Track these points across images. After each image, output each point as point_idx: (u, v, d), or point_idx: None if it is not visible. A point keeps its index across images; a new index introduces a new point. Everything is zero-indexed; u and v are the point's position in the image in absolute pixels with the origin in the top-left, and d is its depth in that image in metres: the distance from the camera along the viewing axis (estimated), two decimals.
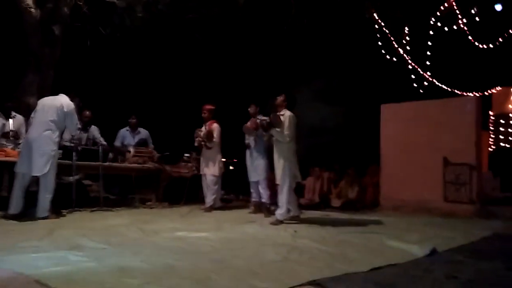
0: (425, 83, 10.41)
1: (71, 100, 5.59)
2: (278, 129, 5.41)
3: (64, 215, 5.56)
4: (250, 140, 6.67)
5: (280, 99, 5.62)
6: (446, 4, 10.12)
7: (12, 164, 5.77)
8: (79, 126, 6.29)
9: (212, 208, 6.80)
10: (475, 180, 6.75)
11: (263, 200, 6.59)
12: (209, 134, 6.86)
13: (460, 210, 6.68)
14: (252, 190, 6.81)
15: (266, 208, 6.48)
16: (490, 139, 9.96)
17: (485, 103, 8.01)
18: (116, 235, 4.19)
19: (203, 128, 7.02)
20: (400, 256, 3.56)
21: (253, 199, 6.83)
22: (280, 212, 5.41)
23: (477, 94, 9.74)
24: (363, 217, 6.50)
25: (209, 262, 3.16)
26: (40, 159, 5.15)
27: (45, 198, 5.19)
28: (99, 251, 3.41)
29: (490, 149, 9.77)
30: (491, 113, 10.14)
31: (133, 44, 10.34)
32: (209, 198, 6.89)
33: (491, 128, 10.10)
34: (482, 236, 4.68)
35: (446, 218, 6.37)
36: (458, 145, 6.89)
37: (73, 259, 3.10)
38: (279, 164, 5.44)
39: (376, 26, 10.04)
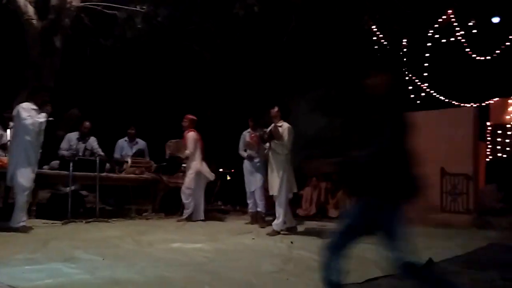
0: (422, 94, 10.45)
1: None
2: (277, 141, 5.44)
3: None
4: (252, 152, 6.65)
5: (274, 110, 5.67)
6: (444, 17, 10.21)
7: None
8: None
9: (187, 220, 6.60)
10: (472, 190, 6.74)
11: (259, 209, 6.56)
12: (176, 144, 6.87)
13: (457, 220, 6.65)
14: (249, 201, 6.78)
15: (261, 217, 6.46)
16: (488, 150, 9.97)
17: (483, 114, 8.02)
18: (111, 246, 4.18)
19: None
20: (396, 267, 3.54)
21: (250, 210, 6.80)
22: (277, 223, 5.42)
23: (475, 105, 9.77)
24: None
25: (204, 273, 3.15)
26: None
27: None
28: (93, 263, 3.40)
29: (487, 159, 9.76)
30: (488, 123, 10.16)
31: (133, 55, 10.41)
32: (186, 211, 6.75)
33: (488, 138, 10.11)
34: (478, 246, 4.67)
35: (443, 228, 6.34)
36: (455, 155, 6.89)
37: (66, 271, 3.09)
38: (276, 175, 5.45)
39: (375, 38, 10.12)
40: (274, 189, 5.47)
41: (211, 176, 7.06)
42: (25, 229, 4.96)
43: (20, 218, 5.00)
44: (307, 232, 5.75)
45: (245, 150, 6.77)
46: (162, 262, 3.53)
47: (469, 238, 5.34)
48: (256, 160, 6.58)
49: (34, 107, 5.21)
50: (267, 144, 5.64)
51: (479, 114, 7.37)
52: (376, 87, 2.35)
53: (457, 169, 6.85)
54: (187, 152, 6.78)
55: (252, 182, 6.62)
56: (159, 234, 5.15)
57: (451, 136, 6.97)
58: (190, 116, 7.02)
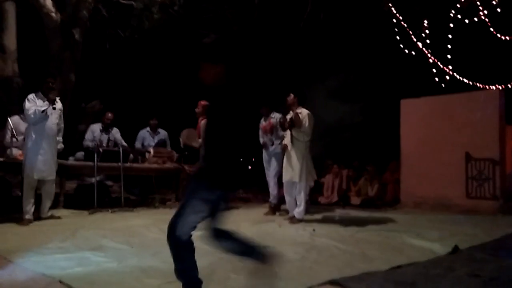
0: (447, 77, 10.19)
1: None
2: (298, 128, 5.41)
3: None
4: (266, 139, 6.59)
5: (291, 98, 5.60)
6: None
7: None
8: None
9: None
10: (498, 175, 6.59)
11: (270, 199, 6.47)
12: (189, 132, 6.71)
13: (483, 206, 6.53)
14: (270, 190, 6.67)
15: (271, 208, 6.39)
16: None
17: (509, 96, 7.76)
18: (136, 235, 4.27)
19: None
20: (421, 254, 3.52)
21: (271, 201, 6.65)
22: (298, 211, 5.41)
23: (501, 87, 9.47)
24: (383, 214, 6.44)
25: (228, 261, 3.18)
26: None
27: None
28: (120, 252, 3.48)
29: None
30: None
31: (152, 45, 10.47)
32: None
33: None
34: (505, 233, 4.57)
35: (468, 214, 6.24)
36: (481, 140, 6.73)
37: (94, 260, 3.17)
38: (297, 162, 5.42)
39: (394, 20, 9.88)
40: (295, 177, 5.44)
41: None
42: (24, 222, 4.92)
43: (24, 207, 4.99)
44: (329, 220, 5.74)
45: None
46: None
47: (495, 224, 5.24)
48: (271, 148, 6.50)
49: (41, 96, 5.21)
50: (288, 132, 5.60)
51: (505, 96, 7.14)
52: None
53: (482, 153, 6.69)
54: (200, 140, 6.64)
55: (267, 170, 6.56)
56: None
57: (476, 119, 6.81)
58: (204, 102, 6.82)
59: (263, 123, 6.69)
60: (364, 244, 3.91)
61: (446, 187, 6.93)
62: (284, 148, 5.64)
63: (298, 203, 5.45)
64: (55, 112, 5.28)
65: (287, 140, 5.59)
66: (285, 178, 5.58)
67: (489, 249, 3.73)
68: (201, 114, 6.81)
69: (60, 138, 5.55)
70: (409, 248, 3.79)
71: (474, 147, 6.77)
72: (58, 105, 5.36)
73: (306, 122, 5.41)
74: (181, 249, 2.28)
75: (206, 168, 2.24)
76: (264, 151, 6.68)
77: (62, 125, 5.58)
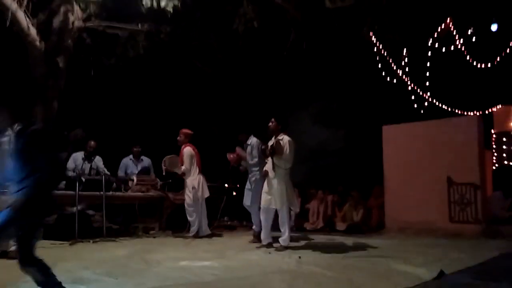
0: (425, 104, 10.46)
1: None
2: (280, 155, 5.40)
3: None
4: (242, 167, 6.56)
5: (273, 124, 5.61)
6: (443, 26, 10.28)
7: None
8: None
9: (194, 237, 6.54)
10: (480, 199, 6.70)
11: (254, 227, 6.40)
12: (171, 159, 6.70)
13: (466, 230, 6.60)
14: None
15: (256, 235, 6.28)
16: (494, 158, 9.92)
17: (487, 121, 8.00)
18: (119, 266, 4.16)
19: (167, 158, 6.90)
20: (407, 280, 3.51)
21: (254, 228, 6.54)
22: (283, 238, 5.37)
23: (478, 113, 9.76)
24: (368, 240, 6.44)
25: None
26: None
27: None
28: (102, 284, 3.39)
29: (493, 167, 9.71)
30: (493, 131, 10.13)
31: (136, 73, 10.50)
32: (192, 228, 6.68)
33: (494, 146, 10.08)
34: (489, 257, 4.61)
35: (452, 239, 6.29)
36: (462, 164, 6.87)
37: None
38: (277, 189, 5.39)
39: (375, 49, 10.17)
40: (274, 203, 5.40)
41: (206, 193, 6.85)
42: None
43: None
44: (315, 246, 5.70)
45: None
46: (171, 281, 3.51)
47: (479, 248, 5.29)
48: (250, 175, 6.44)
49: None
50: (269, 159, 5.54)
51: (483, 122, 7.35)
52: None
53: (464, 178, 6.82)
54: (183, 168, 6.68)
55: (246, 197, 6.46)
56: (167, 252, 5.12)
57: (456, 145, 6.97)
58: (185, 130, 6.93)
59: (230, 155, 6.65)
60: (351, 271, 3.89)
61: (429, 212, 7.00)
62: (265, 174, 5.62)
63: (282, 230, 5.41)
64: None
65: (268, 167, 5.56)
66: (263, 203, 5.54)
67: (474, 273, 3.75)
68: (184, 141, 6.84)
69: None
70: (395, 274, 3.78)
71: (456, 172, 6.90)
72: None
73: (287, 149, 5.41)
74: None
75: (18, 196, 2.52)
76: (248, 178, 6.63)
77: None
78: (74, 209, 6.24)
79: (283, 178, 5.42)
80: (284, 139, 5.49)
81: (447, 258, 4.49)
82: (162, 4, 7.04)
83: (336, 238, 6.78)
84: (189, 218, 6.72)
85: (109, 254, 4.99)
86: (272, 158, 5.49)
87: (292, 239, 5.59)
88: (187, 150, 6.74)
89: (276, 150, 5.41)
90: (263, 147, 5.82)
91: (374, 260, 4.48)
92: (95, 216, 7.58)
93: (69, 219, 6.56)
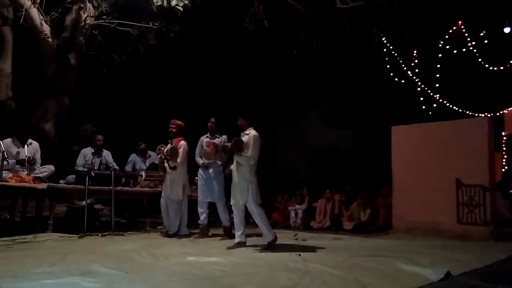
0: (435, 105, 10.41)
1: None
2: (241, 153, 5.17)
3: None
4: (208, 162, 6.35)
5: (240, 121, 5.44)
6: (454, 28, 10.22)
7: (27, 189, 5.89)
8: None
9: (173, 235, 6.35)
10: (488, 201, 6.64)
11: (224, 224, 6.39)
12: (173, 151, 6.32)
13: (474, 232, 6.55)
14: (200, 210, 6.42)
15: (227, 231, 6.30)
16: (503, 160, 9.84)
17: (497, 123, 7.92)
18: (127, 260, 4.20)
19: (168, 146, 6.51)
20: (414, 280, 3.50)
21: (201, 222, 6.47)
22: (266, 234, 5.22)
23: (489, 115, 9.68)
24: (375, 240, 6.42)
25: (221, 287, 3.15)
26: None
27: None
28: (110, 277, 3.42)
29: (503, 170, 9.63)
30: (503, 133, 10.04)
31: (146, 70, 10.58)
32: (173, 225, 6.43)
33: (504, 148, 9.99)
34: (496, 259, 4.58)
35: (460, 240, 6.25)
36: (471, 166, 6.81)
37: (84, 285, 3.11)
38: (241, 187, 5.18)
39: (385, 50, 10.14)
40: (242, 198, 5.20)
41: (189, 191, 6.68)
42: None
43: None
44: (322, 245, 5.70)
45: (201, 157, 6.43)
46: (178, 276, 3.54)
47: (487, 250, 5.25)
48: (211, 170, 6.36)
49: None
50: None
51: (494, 124, 7.29)
52: None
53: (473, 180, 6.76)
54: (178, 161, 6.38)
55: (209, 192, 6.35)
56: (174, 247, 5.16)
57: (466, 146, 6.91)
58: (179, 122, 6.58)
59: (204, 141, 6.44)
60: (357, 270, 3.89)
61: (437, 213, 6.96)
62: (228, 174, 5.58)
63: (260, 228, 5.25)
64: None
65: (233, 166, 5.39)
66: (232, 202, 5.38)
67: (481, 275, 3.73)
68: (177, 134, 6.53)
69: None
70: (402, 274, 3.77)
71: (464, 174, 6.85)
72: None
73: (250, 146, 5.17)
74: None
75: None
76: (201, 171, 6.45)
77: None
78: (83, 203, 6.33)
79: (245, 175, 5.17)
80: (250, 133, 5.27)
81: (454, 260, 4.46)
82: (173, 3, 7.07)
83: (343, 237, 6.77)
84: (170, 214, 6.42)
85: (117, 248, 5.04)
86: (233, 158, 5.33)
87: (298, 237, 5.54)
88: (184, 144, 6.49)
89: (235, 151, 5.19)
90: (223, 145, 5.65)
91: (380, 260, 4.47)
92: (104, 210, 7.68)
93: (78, 212, 6.67)
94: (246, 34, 9.73)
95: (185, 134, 6.72)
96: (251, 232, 6.26)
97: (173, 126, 6.52)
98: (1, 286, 3.02)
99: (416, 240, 6.31)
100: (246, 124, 5.41)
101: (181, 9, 7.16)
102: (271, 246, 5.16)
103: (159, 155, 6.55)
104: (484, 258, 4.57)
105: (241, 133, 5.40)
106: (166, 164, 6.49)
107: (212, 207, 6.59)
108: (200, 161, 6.46)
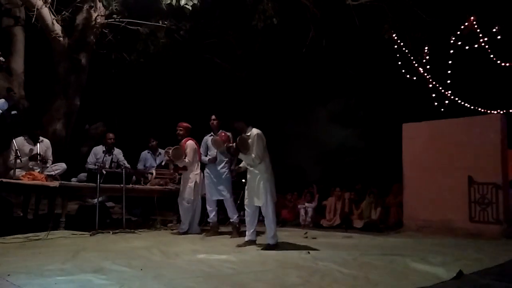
0: (446, 102, 10.29)
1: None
2: (246, 154, 5.07)
3: None
4: (215, 153, 6.30)
5: (237, 124, 5.30)
6: (466, 24, 10.08)
7: (39, 187, 5.96)
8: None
9: (185, 233, 6.37)
10: (501, 199, 6.56)
11: (232, 220, 6.36)
12: (176, 151, 6.34)
13: (487, 230, 6.48)
14: (209, 208, 6.44)
15: (236, 229, 6.26)
16: None
17: (510, 120, 7.79)
18: (138, 257, 4.24)
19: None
20: (425, 279, 3.48)
21: (211, 220, 6.50)
22: (270, 236, 5.12)
23: (502, 112, 9.54)
24: (386, 238, 6.38)
25: (231, 285, 3.16)
26: None
27: None
28: (122, 274, 3.45)
29: None
30: None
31: (156, 69, 10.64)
32: (183, 223, 6.48)
33: None
34: (509, 258, 4.52)
35: (472, 239, 6.19)
36: (483, 164, 6.73)
37: (96, 283, 3.15)
38: (258, 186, 5.08)
39: (396, 46, 10.05)
40: (259, 201, 5.10)
41: (203, 190, 6.65)
42: None
43: None
44: (332, 243, 5.68)
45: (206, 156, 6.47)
46: (189, 273, 3.56)
47: (499, 249, 5.19)
48: (218, 168, 6.35)
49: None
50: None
51: (507, 121, 7.19)
52: None
53: (485, 178, 6.68)
54: (186, 160, 6.43)
55: (216, 190, 6.33)
56: (184, 245, 5.18)
57: (478, 144, 6.83)
58: (185, 124, 6.71)
59: (209, 139, 6.41)
60: (368, 268, 3.87)
61: (449, 211, 6.90)
62: (237, 171, 5.53)
63: (268, 228, 5.13)
64: None
65: (243, 164, 5.34)
66: (246, 201, 5.29)
67: (493, 274, 3.69)
68: (184, 135, 6.61)
69: None
70: (413, 272, 3.75)
71: (477, 171, 6.77)
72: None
73: (253, 145, 5.06)
74: None
75: None
76: (208, 169, 6.44)
77: None
78: (95, 200, 6.39)
79: (261, 174, 5.08)
80: (252, 133, 5.16)
81: (466, 258, 4.42)
82: (182, 2, 7.09)
83: (353, 235, 6.74)
84: (181, 214, 6.50)
85: (128, 245, 5.09)
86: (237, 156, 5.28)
87: (308, 235, 5.52)
88: (191, 143, 6.56)
89: (240, 150, 5.07)
90: (229, 145, 5.53)
91: (391, 258, 4.44)
92: (115, 208, 7.75)
93: (89, 210, 6.73)
94: (255, 32, 9.72)
95: (194, 133, 6.75)
96: (262, 230, 6.26)
97: (180, 128, 6.65)
98: (14, 282, 3.06)
99: (427, 239, 6.26)
100: (244, 125, 5.25)
101: (190, 8, 7.18)
102: (270, 249, 5.04)
103: (165, 157, 6.67)
104: (497, 257, 4.52)
105: (243, 135, 5.30)
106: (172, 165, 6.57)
107: (221, 204, 6.61)
108: (205, 159, 6.49)
